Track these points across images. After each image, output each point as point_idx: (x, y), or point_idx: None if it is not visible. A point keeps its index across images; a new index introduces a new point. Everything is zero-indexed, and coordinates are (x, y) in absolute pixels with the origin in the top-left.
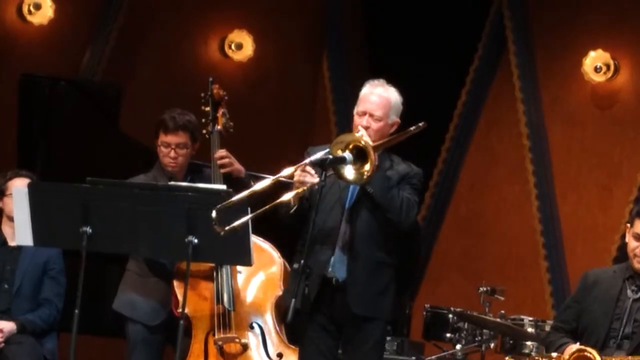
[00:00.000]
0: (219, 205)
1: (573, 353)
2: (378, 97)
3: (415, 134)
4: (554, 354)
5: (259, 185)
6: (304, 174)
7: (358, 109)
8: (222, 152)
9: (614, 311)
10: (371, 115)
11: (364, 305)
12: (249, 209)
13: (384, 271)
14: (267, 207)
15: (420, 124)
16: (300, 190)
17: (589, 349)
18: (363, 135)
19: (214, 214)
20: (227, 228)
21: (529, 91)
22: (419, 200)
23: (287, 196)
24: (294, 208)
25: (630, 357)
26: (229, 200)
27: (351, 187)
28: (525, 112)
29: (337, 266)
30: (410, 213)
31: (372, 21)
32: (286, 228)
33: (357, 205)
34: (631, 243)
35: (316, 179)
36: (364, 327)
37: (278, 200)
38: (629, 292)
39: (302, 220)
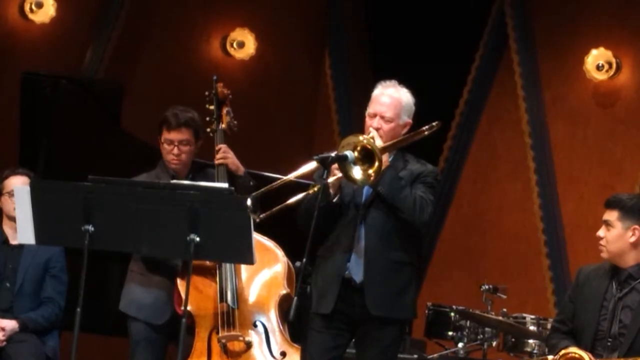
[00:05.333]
0: (255, 193)
1: (562, 356)
2: (389, 98)
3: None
4: (550, 357)
5: (291, 176)
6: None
7: (369, 110)
8: (220, 146)
9: (600, 311)
10: (382, 117)
11: (382, 306)
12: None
13: (402, 271)
14: (296, 198)
15: (434, 124)
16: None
17: (577, 350)
18: (373, 137)
19: (249, 201)
20: (262, 215)
21: (531, 89)
22: (434, 199)
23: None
24: (336, 198)
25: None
26: (264, 188)
27: (365, 187)
28: (527, 110)
29: (353, 267)
30: (424, 212)
31: (374, 20)
32: (303, 227)
33: (371, 206)
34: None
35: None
36: (379, 327)
37: (305, 193)
38: (613, 290)
39: (325, 218)
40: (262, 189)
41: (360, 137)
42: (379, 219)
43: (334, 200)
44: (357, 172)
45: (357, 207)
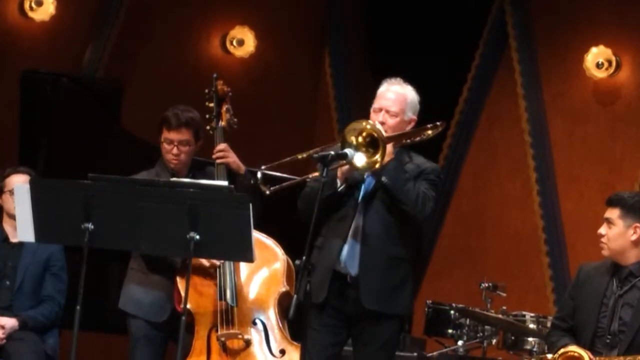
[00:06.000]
0: (264, 166)
1: (561, 354)
2: (394, 94)
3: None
4: (549, 355)
5: (301, 154)
6: None
7: (374, 105)
8: (220, 146)
9: (600, 308)
10: (387, 112)
11: (377, 301)
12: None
13: (399, 266)
14: (305, 177)
15: (438, 123)
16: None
17: (577, 349)
18: (377, 125)
19: (259, 174)
20: (272, 189)
21: (531, 87)
22: (435, 196)
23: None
24: (342, 187)
25: (622, 358)
26: (275, 162)
27: (366, 180)
28: (527, 109)
29: (348, 261)
30: (425, 206)
31: (374, 17)
32: (304, 219)
33: (371, 198)
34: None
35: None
36: (375, 323)
37: (313, 176)
38: (614, 287)
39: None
40: (282, 185)
41: (365, 123)
42: (379, 212)
43: (340, 189)
44: (360, 159)
45: (356, 199)
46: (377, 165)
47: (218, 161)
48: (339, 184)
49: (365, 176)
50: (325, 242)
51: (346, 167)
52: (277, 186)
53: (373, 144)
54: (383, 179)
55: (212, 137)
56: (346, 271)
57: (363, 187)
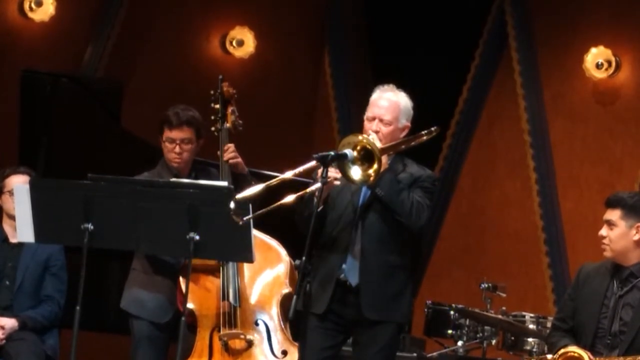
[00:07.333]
0: (238, 196)
1: (561, 355)
2: (387, 102)
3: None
4: (549, 356)
5: (275, 180)
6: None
7: (367, 114)
8: (230, 147)
9: (600, 309)
10: (380, 120)
11: (377, 309)
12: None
13: (398, 274)
14: (287, 200)
15: (433, 129)
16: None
17: (577, 350)
18: (371, 137)
19: (232, 204)
20: (245, 218)
21: (531, 87)
22: (430, 204)
23: (291, 198)
24: (320, 208)
25: (622, 358)
26: (249, 192)
27: (362, 190)
28: (527, 109)
29: (349, 271)
30: (420, 216)
31: (373, 18)
32: (302, 230)
33: (368, 209)
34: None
35: (338, 175)
36: (374, 328)
37: (296, 195)
38: (614, 287)
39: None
40: (258, 212)
41: (360, 137)
42: (376, 222)
43: (319, 209)
44: (356, 172)
45: (354, 210)
46: (372, 179)
47: (231, 161)
48: (315, 204)
49: (361, 190)
50: (326, 252)
51: (323, 188)
52: (250, 215)
53: (368, 157)
54: (377, 190)
55: (216, 138)
56: (346, 279)
57: (360, 197)
